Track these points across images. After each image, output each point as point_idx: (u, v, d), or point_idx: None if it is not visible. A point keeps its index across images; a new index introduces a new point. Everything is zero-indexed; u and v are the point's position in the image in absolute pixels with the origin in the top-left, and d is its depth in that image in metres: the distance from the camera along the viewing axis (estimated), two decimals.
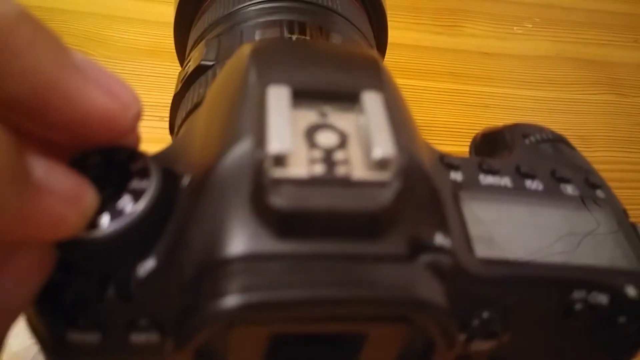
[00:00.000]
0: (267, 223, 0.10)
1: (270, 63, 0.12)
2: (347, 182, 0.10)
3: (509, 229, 0.14)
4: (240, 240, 0.09)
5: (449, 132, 0.35)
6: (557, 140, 0.16)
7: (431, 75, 0.38)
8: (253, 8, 0.24)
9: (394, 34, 0.41)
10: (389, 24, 0.42)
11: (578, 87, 0.40)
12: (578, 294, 0.13)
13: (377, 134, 0.10)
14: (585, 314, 0.13)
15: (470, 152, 0.18)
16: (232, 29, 0.23)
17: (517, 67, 0.40)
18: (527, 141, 0.16)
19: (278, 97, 0.11)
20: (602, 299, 0.13)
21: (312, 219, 0.10)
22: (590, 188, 0.15)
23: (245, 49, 0.13)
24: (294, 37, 0.22)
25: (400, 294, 0.10)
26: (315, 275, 0.09)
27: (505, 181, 0.14)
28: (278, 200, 0.09)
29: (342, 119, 0.11)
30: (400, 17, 0.42)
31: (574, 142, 0.38)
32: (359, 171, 0.10)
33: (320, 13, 0.24)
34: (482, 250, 0.13)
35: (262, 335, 0.10)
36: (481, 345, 0.13)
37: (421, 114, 0.35)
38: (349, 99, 0.11)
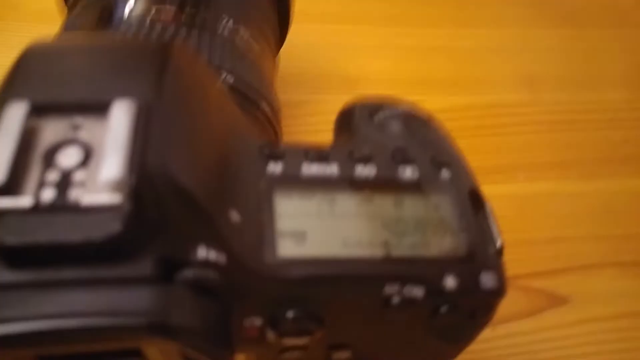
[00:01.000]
0: None
1: (23, 74, 0.11)
2: (77, 209, 0.09)
3: (328, 222, 0.13)
4: None
5: (386, 81, 0.34)
6: (409, 116, 0.15)
7: (366, 20, 0.36)
8: None
9: None
10: None
11: (530, 23, 0.38)
12: (391, 289, 0.12)
13: (109, 151, 0.10)
14: (403, 307, 0.13)
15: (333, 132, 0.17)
16: None
17: (461, 5, 0.38)
18: (374, 119, 0.15)
19: (13, 116, 0.10)
20: (417, 292, 0.12)
21: (36, 251, 0.09)
22: (435, 168, 0.14)
23: (22, 53, 0.12)
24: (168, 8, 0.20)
25: (132, 320, 0.09)
26: (39, 305, 0.09)
27: (332, 169, 0.14)
28: None
29: (94, 133, 0.10)
30: None
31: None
32: (90, 195, 0.09)
33: None
34: (287, 249, 0.12)
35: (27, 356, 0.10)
36: (295, 341, 0.13)
37: (354, 65, 0.34)
38: (102, 109, 0.10)
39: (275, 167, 0.13)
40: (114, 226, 0.09)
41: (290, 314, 0.12)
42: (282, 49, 0.29)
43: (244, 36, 0.21)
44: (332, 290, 0.12)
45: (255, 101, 0.19)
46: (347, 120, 0.16)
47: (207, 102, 0.13)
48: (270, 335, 0.13)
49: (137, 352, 0.11)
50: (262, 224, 0.12)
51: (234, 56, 0.19)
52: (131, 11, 0.20)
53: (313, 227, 0.13)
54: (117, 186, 0.09)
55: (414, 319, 0.13)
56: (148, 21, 0.19)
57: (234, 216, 0.12)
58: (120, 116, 0.10)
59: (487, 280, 0.13)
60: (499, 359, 0.23)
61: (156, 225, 0.10)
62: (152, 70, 0.11)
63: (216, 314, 0.11)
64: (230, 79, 0.18)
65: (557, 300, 0.25)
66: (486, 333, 0.15)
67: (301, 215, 0.13)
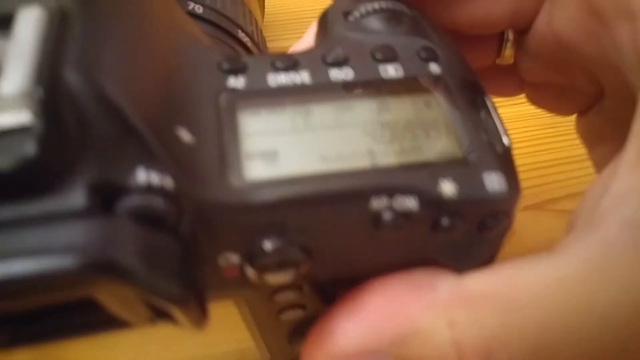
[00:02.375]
0: None
1: None
2: None
3: (303, 137, 0.11)
4: None
5: None
6: (389, 10, 0.13)
7: None
8: None
9: None
10: None
11: None
12: (378, 203, 0.11)
13: (12, 64, 0.08)
14: (397, 223, 0.11)
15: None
16: None
17: None
18: (349, 18, 0.13)
19: None
20: (410, 203, 0.11)
21: None
22: (422, 63, 0.12)
23: None
24: None
25: (68, 261, 0.08)
26: None
27: (303, 77, 0.12)
28: None
29: (1, 50, 0.09)
30: None
31: None
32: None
33: None
34: (256, 170, 0.11)
35: None
36: (280, 277, 0.11)
37: None
38: (7, 22, 0.09)
39: (237, 82, 0.12)
40: (25, 150, 0.08)
41: (268, 244, 0.11)
42: None
43: None
44: (312, 211, 0.11)
45: (230, 31, 0.17)
46: (321, 27, 0.14)
47: (154, 15, 0.12)
48: (250, 272, 0.11)
49: (92, 301, 0.09)
50: (224, 145, 0.11)
51: None
52: None
53: (286, 144, 0.11)
54: (23, 102, 0.08)
55: (413, 238, 0.11)
56: None
57: (184, 135, 0.10)
58: (27, 26, 0.09)
59: (493, 182, 0.11)
60: None
61: (82, 147, 0.08)
62: None
63: (172, 248, 0.09)
64: (199, 9, 0.17)
65: None
66: None
67: (271, 132, 0.11)
